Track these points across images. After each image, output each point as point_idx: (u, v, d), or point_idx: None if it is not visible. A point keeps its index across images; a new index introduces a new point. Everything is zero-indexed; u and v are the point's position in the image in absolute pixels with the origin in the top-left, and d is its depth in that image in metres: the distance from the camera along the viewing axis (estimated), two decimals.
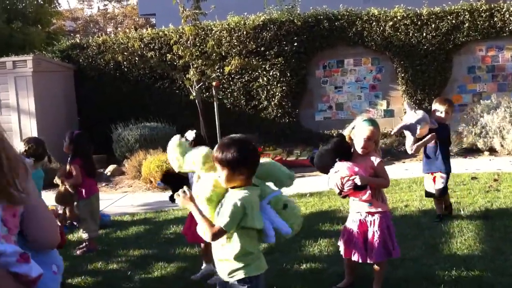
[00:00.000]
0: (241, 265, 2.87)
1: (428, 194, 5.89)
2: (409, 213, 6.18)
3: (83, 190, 5.67)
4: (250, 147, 2.85)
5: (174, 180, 4.59)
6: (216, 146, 2.87)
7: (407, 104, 5.62)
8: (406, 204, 6.52)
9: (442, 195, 5.75)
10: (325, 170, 3.87)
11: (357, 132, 3.82)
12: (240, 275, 2.88)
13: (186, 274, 4.75)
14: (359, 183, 3.62)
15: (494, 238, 5.05)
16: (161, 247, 5.63)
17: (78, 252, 5.62)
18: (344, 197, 3.86)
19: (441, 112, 5.51)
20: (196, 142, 4.49)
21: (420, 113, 5.23)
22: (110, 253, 5.54)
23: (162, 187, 4.71)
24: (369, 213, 3.86)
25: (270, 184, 3.03)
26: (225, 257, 2.91)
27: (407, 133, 5.29)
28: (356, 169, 3.68)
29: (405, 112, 5.36)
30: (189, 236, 4.55)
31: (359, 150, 3.82)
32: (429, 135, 5.32)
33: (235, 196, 2.79)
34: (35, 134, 11.07)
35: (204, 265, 4.71)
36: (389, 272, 4.20)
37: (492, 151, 9.94)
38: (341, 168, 3.71)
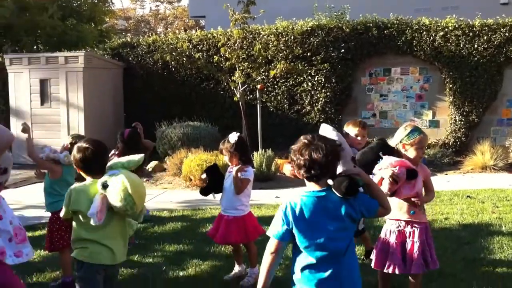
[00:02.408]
0: (76, 246, 3.31)
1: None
2: (449, 226, 6.05)
3: None
4: (88, 149, 3.34)
5: (216, 175, 4.65)
6: None
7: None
8: (446, 217, 6.38)
9: (358, 235, 4.86)
10: (368, 168, 3.76)
11: (410, 143, 3.76)
12: (74, 254, 3.33)
13: (220, 273, 4.79)
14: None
15: None
16: (197, 245, 5.69)
17: None
18: (392, 195, 3.72)
19: (357, 136, 4.79)
20: (238, 145, 4.52)
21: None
22: (146, 248, 5.63)
23: (203, 178, 4.85)
24: (408, 222, 3.77)
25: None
26: None
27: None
28: (404, 159, 3.64)
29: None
30: (218, 238, 4.58)
31: (417, 160, 3.78)
32: None
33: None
34: (82, 128, 11.38)
35: (236, 266, 4.74)
36: (424, 285, 4.11)
37: None
38: (389, 160, 3.63)
